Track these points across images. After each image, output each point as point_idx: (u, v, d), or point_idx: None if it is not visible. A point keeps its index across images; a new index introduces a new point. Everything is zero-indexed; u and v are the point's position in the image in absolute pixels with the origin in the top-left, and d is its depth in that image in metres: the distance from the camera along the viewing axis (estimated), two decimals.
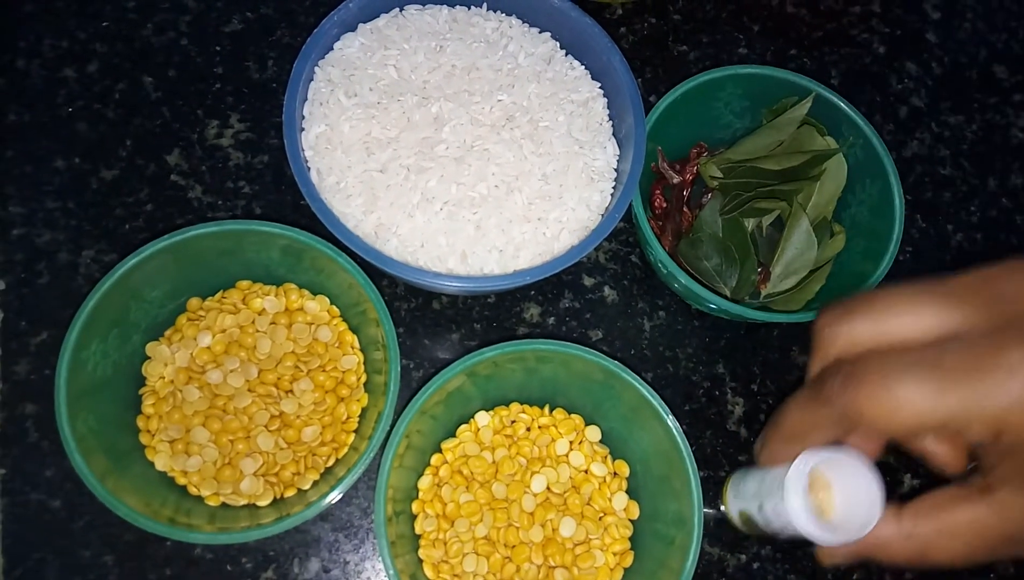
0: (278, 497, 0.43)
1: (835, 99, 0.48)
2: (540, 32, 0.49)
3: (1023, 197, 0.57)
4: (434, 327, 0.49)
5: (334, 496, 0.39)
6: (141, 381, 0.44)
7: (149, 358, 0.44)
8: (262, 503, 0.42)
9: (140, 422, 0.43)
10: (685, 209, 0.50)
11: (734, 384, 0.50)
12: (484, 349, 0.41)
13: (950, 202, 0.57)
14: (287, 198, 0.51)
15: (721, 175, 0.49)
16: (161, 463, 0.43)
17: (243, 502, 0.42)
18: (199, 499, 0.42)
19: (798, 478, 0.32)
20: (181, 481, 0.43)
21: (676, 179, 0.51)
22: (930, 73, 0.60)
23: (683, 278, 0.44)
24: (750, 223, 0.49)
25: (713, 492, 0.48)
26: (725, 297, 0.48)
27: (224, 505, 0.42)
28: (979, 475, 0.30)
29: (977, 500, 0.29)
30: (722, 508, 0.44)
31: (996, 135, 0.59)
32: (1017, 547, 0.29)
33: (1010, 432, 0.26)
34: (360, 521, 0.46)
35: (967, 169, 0.58)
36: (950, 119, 0.59)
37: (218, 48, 0.54)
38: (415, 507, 0.43)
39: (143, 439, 0.43)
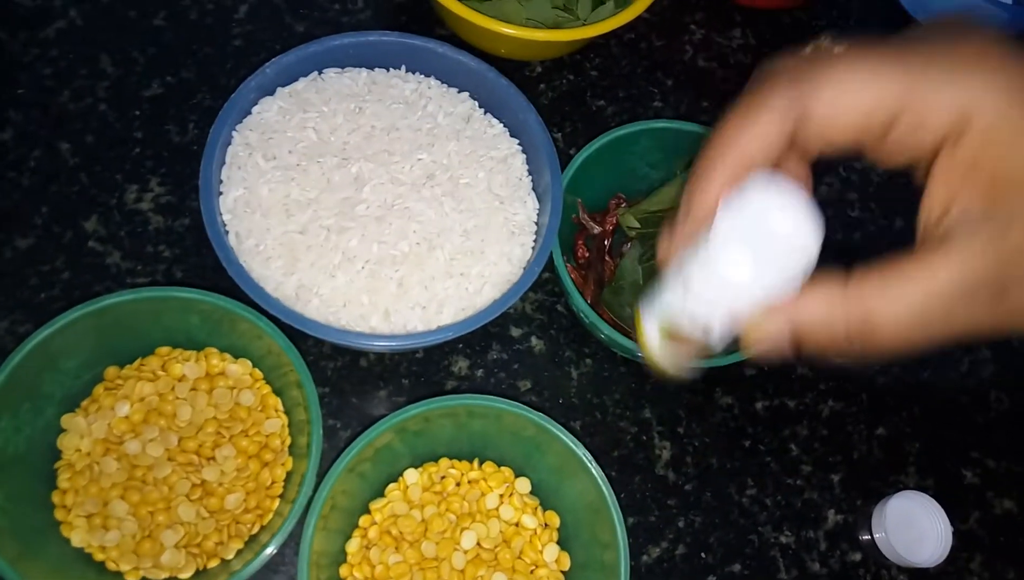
0: (201, 569, 0.41)
1: None
2: (459, 92, 0.50)
3: None
4: (361, 385, 0.49)
5: (257, 564, 0.38)
6: (56, 455, 0.43)
7: (64, 430, 0.43)
8: (184, 576, 0.41)
9: (55, 497, 0.42)
10: (607, 258, 0.52)
11: (661, 428, 0.51)
12: (412, 405, 0.41)
13: (860, 243, 0.59)
14: (208, 261, 0.50)
15: (639, 225, 0.50)
16: (78, 539, 0.41)
17: (164, 575, 0.41)
18: (118, 575, 0.41)
19: (725, 228, 0.27)
20: (99, 557, 0.41)
21: (596, 229, 0.52)
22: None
23: (605, 329, 0.45)
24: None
25: (643, 538, 0.48)
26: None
27: None
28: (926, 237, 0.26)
29: (930, 252, 0.25)
30: (643, 346, 0.35)
31: (900, 177, 0.62)
32: (971, 308, 0.25)
33: (978, 120, 0.23)
34: None
35: (875, 210, 0.60)
36: (856, 164, 0.62)
37: (137, 112, 0.54)
38: (343, 571, 0.42)
39: (58, 515, 0.42)
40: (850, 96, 0.24)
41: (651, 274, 0.49)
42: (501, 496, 0.45)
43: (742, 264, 0.27)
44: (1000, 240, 0.24)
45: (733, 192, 0.27)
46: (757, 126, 0.26)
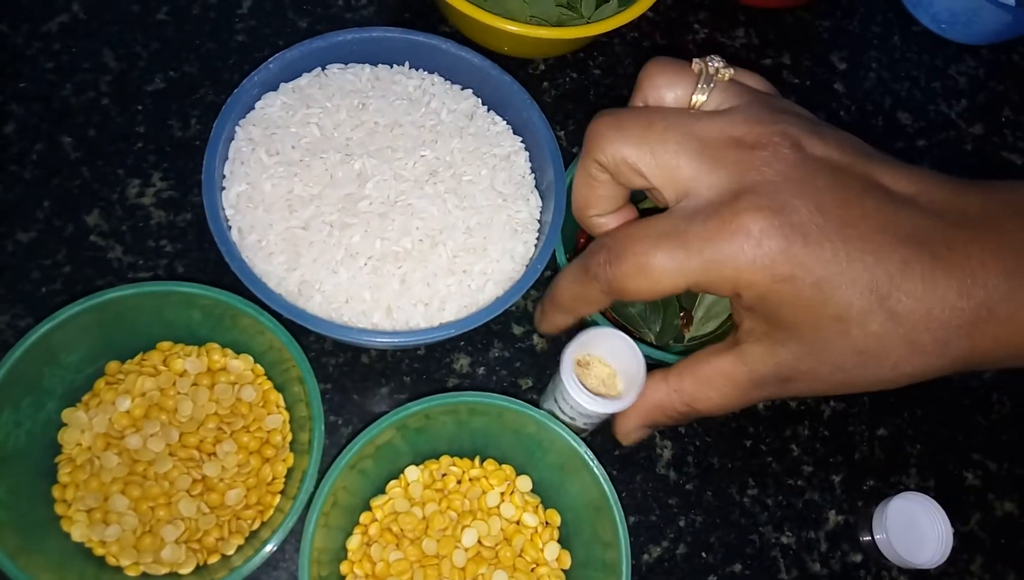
0: (201, 564, 0.41)
1: None
2: (462, 89, 0.50)
3: None
4: (363, 382, 0.49)
5: (258, 560, 0.38)
6: (57, 449, 0.43)
7: (65, 425, 0.43)
8: (184, 571, 0.41)
9: (56, 492, 0.42)
10: None
11: (662, 428, 0.51)
12: (414, 402, 0.41)
13: None
14: (210, 256, 0.50)
15: None
16: (78, 533, 0.41)
17: (165, 571, 0.41)
18: (118, 570, 0.41)
19: (567, 366, 0.38)
20: (99, 552, 0.41)
21: None
22: (839, 120, 0.63)
23: (606, 325, 0.45)
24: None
25: (644, 537, 0.48)
26: (650, 343, 0.49)
27: (145, 575, 0.41)
28: (733, 333, 0.34)
29: (726, 353, 0.34)
30: None
31: None
32: (763, 390, 0.33)
33: (747, 289, 0.30)
34: None
35: None
36: None
37: (140, 107, 0.54)
38: (344, 568, 0.42)
39: (58, 510, 0.41)
40: (651, 283, 0.32)
41: None
42: (502, 494, 0.45)
43: (581, 396, 0.38)
44: (774, 354, 0.32)
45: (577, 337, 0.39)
46: (588, 300, 0.37)
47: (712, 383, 0.34)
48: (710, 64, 0.34)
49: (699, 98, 0.34)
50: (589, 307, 0.36)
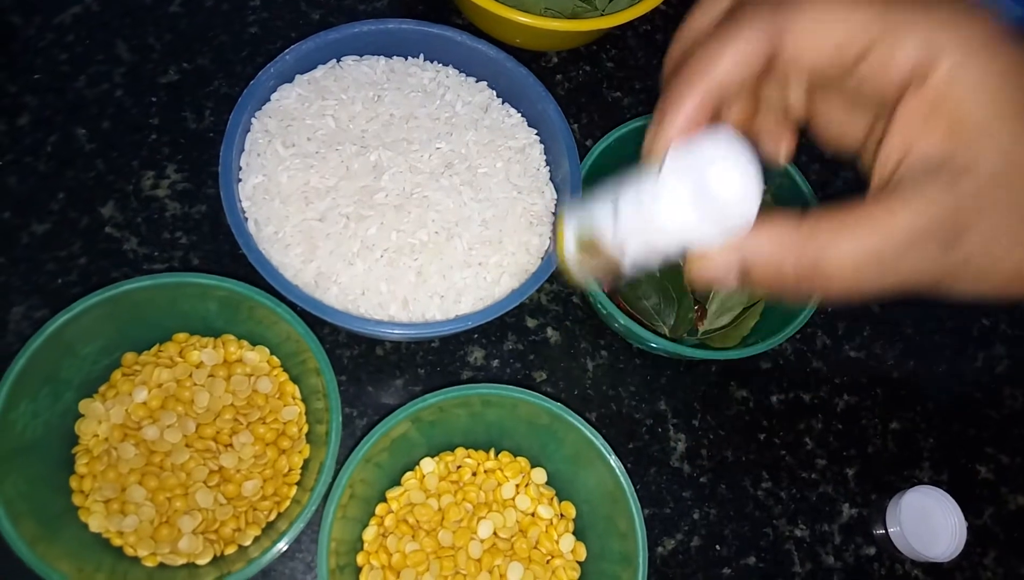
0: (218, 555, 0.41)
1: None
2: (477, 81, 0.50)
3: None
4: (377, 374, 0.49)
5: (275, 552, 0.38)
6: (74, 440, 0.43)
7: (82, 416, 0.43)
8: (201, 562, 0.41)
9: (73, 482, 0.42)
10: None
11: (676, 420, 0.51)
12: (429, 395, 0.41)
13: None
14: (225, 248, 0.50)
15: None
16: (96, 524, 0.41)
17: (182, 561, 0.41)
18: (135, 560, 0.41)
19: (678, 157, 0.26)
20: (117, 542, 0.41)
21: None
22: None
23: (622, 318, 0.45)
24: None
25: (658, 530, 0.48)
26: (664, 336, 0.49)
27: (162, 565, 0.41)
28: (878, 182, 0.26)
29: (884, 196, 0.24)
30: (557, 248, 0.34)
31: None
32: (926, 252, 0.24)
33: (945, 63, 0.23)
34: (304, 576, 0.45)
35: None
36: None
37: (154, 99, 0.53)
38: (360, 559, 0.42)
39: (76, 500, 0.42)
40: (825, 27, 0.24)
41: (668, 268, 0.49)
42: (517, 486, 0.45)
43: (678, 210, 0.26)
44: (955, 187, 0.23)
45: (693, 133, 0.27)
46: (735, 43, 0.26)
47: (862, 235, 0.24)
48: None
49: None
50: (732, 58, 0.26)
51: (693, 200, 0.26)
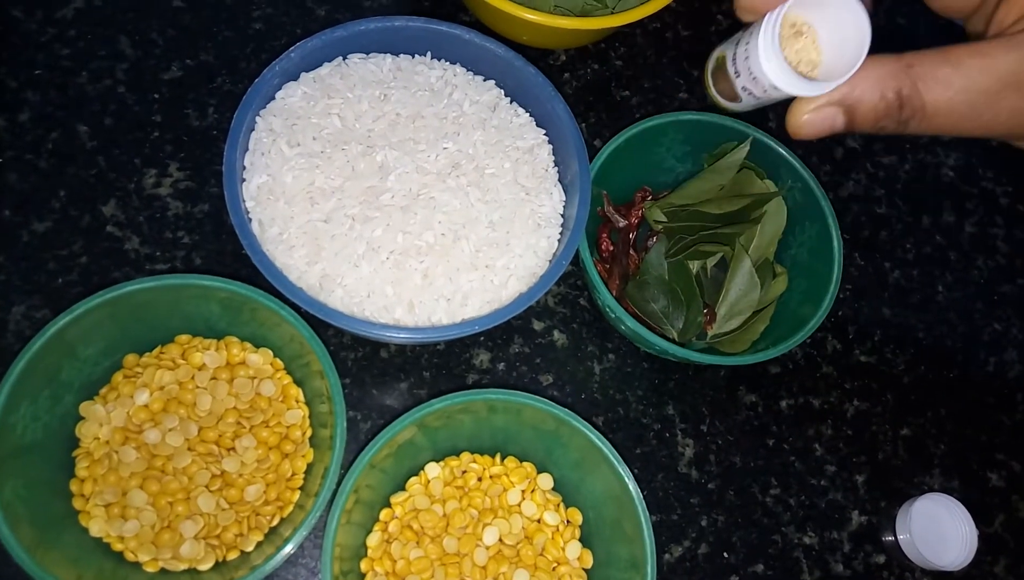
0: (220, 560, 0.41)
1: (772, 143, 0.49)
2: (485, 80, 0.49)
3: (955, 233, 0.59)
4: (382, 377, 0.49)
5: (280, 558, 0.38)
6: (74, 443, 0.42)
7: (83, 418, 0.42)
8: (203, 567, 0.41)
9: (73, 486, 0.41)
10: (632, 252, 0.51)
11: (684, 425, 0.50)
12: (434, 400, 0.40)
13: (886, 240, 0.58)
14: (228, 248, 0.49)
15: (665, 219, 0.50)
16: (96, 528, 0.41)
17: (183, 567, 0.41)
18: (136, 566, 0.41)
19: (772, 21, 0.28)
20: (117, 547, 0.41)
21: (622, 223, 0.51)
22: None
23: (630, 322, 0.44)
24: (695, 265, 0.49)
25: (665, 537, 0.48)
26: (672, 339, 0.48)
27: (163, 571, 0.41)
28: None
29: (996, 42, 0.25)
30: (705, 71, 0.37)
31: (928, 174, 0.61)
32: (1018, 96, 0.25)
33: None
34: None
35: (901, 207, 0.60)
36: (884, 159, 0.61)
37: (156, 96, 0.53)
38: (364, 565, 0.42)
39: (76, 504, 0.41)
40: None
41: (677, 271, 0.48)
42: (523, 492, 0.45)
43: (776, 62, 0.28)
44: None
45: None
46: None
47: (964, 67, 0.25)
48: None
49: None
50: None
51: (780, 66, 0.28)
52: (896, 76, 0.26)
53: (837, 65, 0.28)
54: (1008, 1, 0.26)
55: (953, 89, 0.25)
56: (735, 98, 0.33)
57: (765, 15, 0.29)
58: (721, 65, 0.33)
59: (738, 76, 0.31)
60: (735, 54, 0.31)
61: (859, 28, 0.27)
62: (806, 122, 0.28)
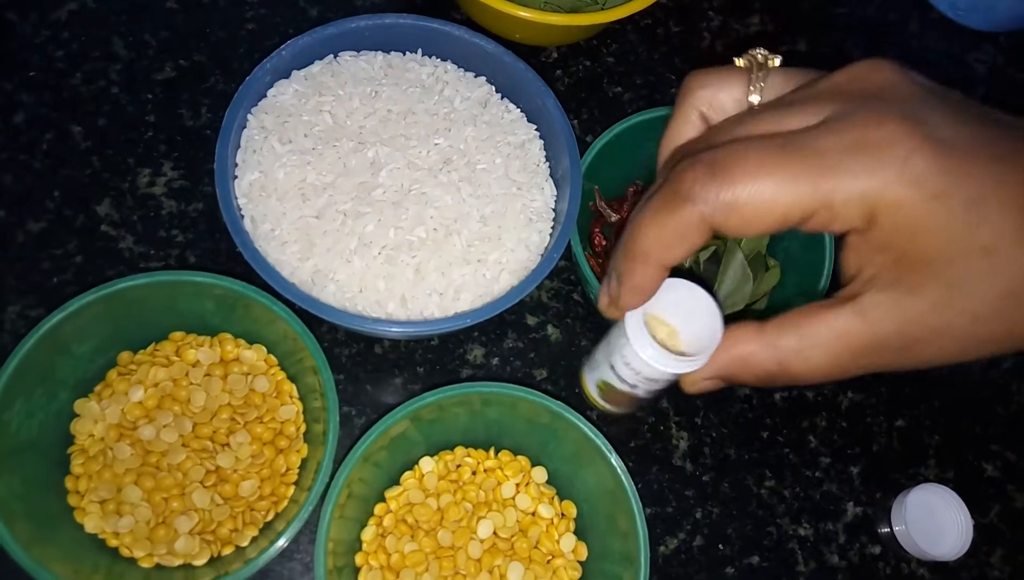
0: (215, 556, 0.41)
1: None
2: (475, 76, 0.49)
3: None
4: (376, 372, 0.49)
5: (272, 552, 0.38)
6: (69, 440, 0.42)
7: (78, 416, 0.42)
8: (198, 563, 0.41)
9: (68, 483, 0.42)
10: None
11: (678, 418, 0.50)
12: (428, 393, 0.41)
13: None
14: (222, 246, 0.50)
15: None
16: (91, 525, 0.41)
17: (178, 562, 0.41)
18: (132, 562, 0.41)
19: (636, 318, 0.31)
20: (112, 543, 0.41)
21: (614, 217, 0.51)
22: None
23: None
24: (687, 259, 0.49)
25: (660, 529, 0.48)
26: None
27: (158, 567, 0.41)
28: (839, 293, 0.28)
29: (841, 308, 0.27)
30: (587, 396, 0.39)
31: None
32: (880, 356, 0.27)
33: (889, 213, 0.25)
34: (302, 577, 0.44)
35: None
36: None
37: (150, 96, 0.53)
38: (359, 559, 0.42)
39: (71, 501, 0.41)
40: (767, 204, 0.26)
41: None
42: (517, 485, 0.45)
43: (657, 357, 0.31)
44: (904, 305, 0.26)
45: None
46: (681, 235, 0.28)
47: (820, 342, 0.27)
48: (757, 55, 0.30)
49: (758, 86, 0.30)
50: (680, 247, 0.28)
51: (658, 351, 0.31)
52: (761, 358, 0.29)
53: (696, 339, 0.32)
54: (843, 261, 0.28)
55: (815, 361, 0.28)
56: (632, 402, 0.36)
57: (622, 321, 0.32)
58: (608, 388, 0.36)
59: (630, 386, 0.34)
60: (615, 370, 0.34)
61: (703, 303, 0.32)
62: (697, 389, 0.32)
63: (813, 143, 0.25)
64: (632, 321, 0.31)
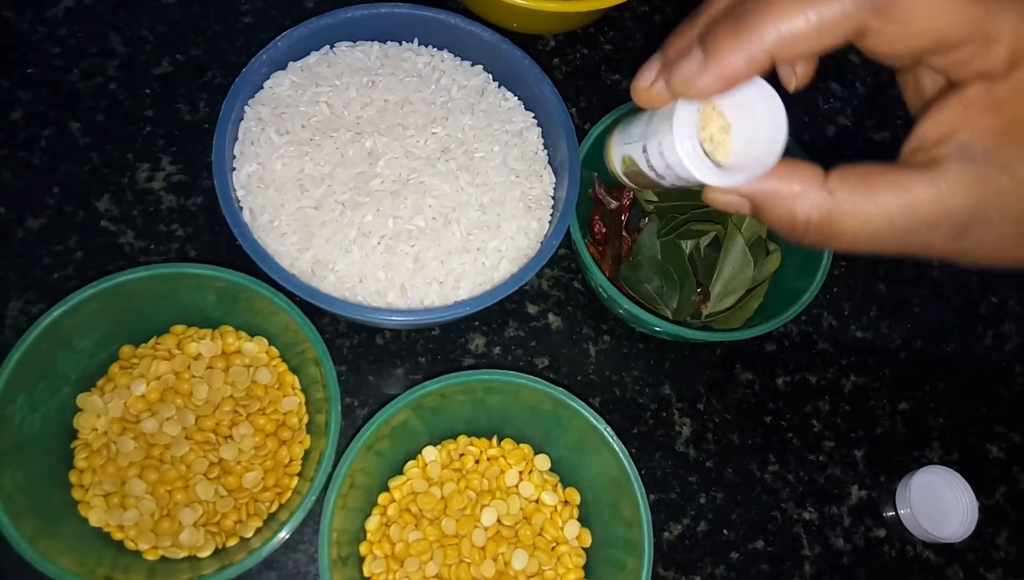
0: (220, 547, 0.41)
1: None
2: (472, 65, 0.49)
3: None
4: (378, 363, 0.49)
5: (276, 542, 0.38)
6: (72, 434, 0.42)
7: (80, 410, 0.42)
8: (203, 554, 0.41)
9: (72, 477, 0.42)
10: (624, 233, 0.51)
11: (680, 405, 0.50)
12: (429, 381, 0.41)
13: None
14: (222, 239, 0.50)
15: (656, 199, 0.50)
16: (96, 518, 0.41)
17: (183, 554, 0.41)
18: (136, 554, 0.41)
19: (689, 109, 0.27)
20: (117, 536, 0.41)
21: (613, 204, 0.51)
22: (855, 93, 0.62)
23: (624, 302, 0.44)
24: (688, 245, 0.49)
25: (664, 515, 0.48)
26: (667, 319, 0.48)
27: (163, 559, 0.41)
28: (914, 153, 0.25)
29: (917, 175, 0.24)
30: (608, 162, 0.35)
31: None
32: (937, 235, 0.25)
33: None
34: (307, 568, 0.44)
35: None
36: (876, 136, 0.61)
37: (148, 91, 0.53)
38: (363, 549, 0.42)
39: (76, 494, 0.41)
40: (926, 21, 0.23)
41: (669, 251, 0.48)
42: (521, 473, 0.45)
43: (695, 150, 0.27)
44: (989, 181, 0.24)
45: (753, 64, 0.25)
46: (821, 23, 0.24)
47: (883, 207, 0.24)
48: None
49: None
50: (811, 39, 0.24)
51: (699, 154, 0.27)
52: (811, 199, 0.26)
53: (749, 151, 0.28)
54: (934, 118, 0.25)
55: (868, 223, 0.25)
56: (653, 186, 0.32)
57: (675, 102, 0.27)
58: (632, 165, 0.32)
59: (657, 175, 0.30)
60: (647, 153, 0.30)
61: (773, 115, 0.27)
62: (718, 203, 0.28)
63: None
64: (684, 109, 0.27)
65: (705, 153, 0.27)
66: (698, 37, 0.26)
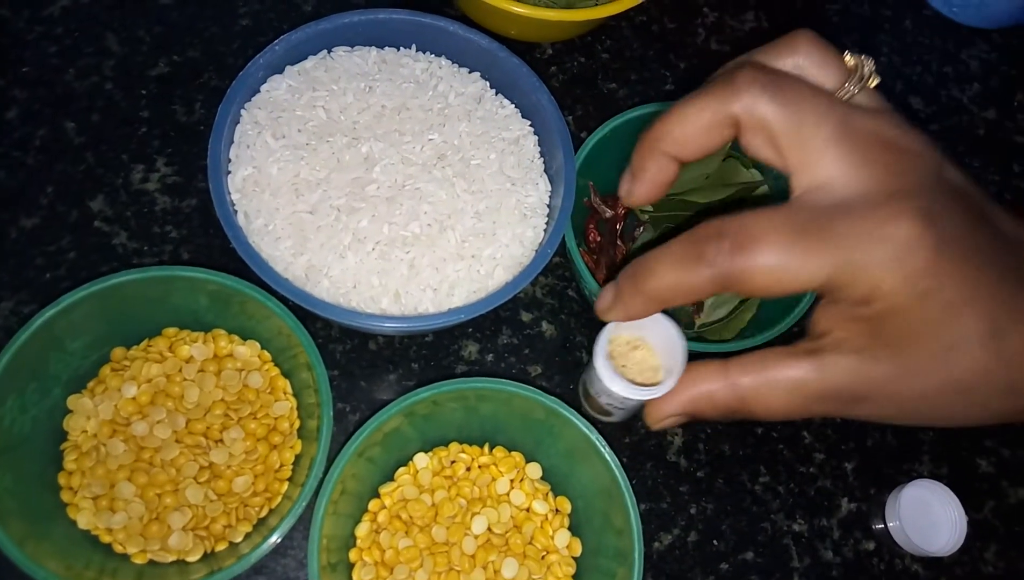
0: (209, 552, 0.41)
1: None
2: (470, 72, 0.49)
3: None
4: (371, 368, 0.49)
5: (265, 548, 0.38)
6: (62, 436, 0.42)
7: (71, 412, 0.42)
8: (192, 559, 0.41)
9: (62, 479, 0.41)
10: (619, 242, 0.51)
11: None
12: (422, 388, 0.41)
13: None
14: (216, 242, 0.50)
15: (652, 209, 0.50)
16: (84, 521, 0.41)
17: (172, 559, 0.41)
18: (125, 558, 0.41)
19: (603, 360, 0.36)
20: (106, 539, 0.41)
21: (608, 213, 0.51)
22: None
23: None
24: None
25: (655, 525, 0.48)
26: None
27: (152, 563, 0.41)
28: (806, 339, 0.31)
29: (802, 358, 0.30)
30: (586, 411, 0.45)
31: None
32: (828, 405, 0.30)
33: (883, 299, 0.28)
34: (296, 573, 0.44)
35: None
36: None
37: (144, 92, 0.53)
38: (352, 555, 0.42)
39: (65, 497, 0.41)
40: (780, 284, 0.28)
41: None
42: (512, 481, 0.45)
43: (613, 381, 0.36)
44: (862, 371, 0.29)
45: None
46: (685, 296, 0.30)
47: (778, 387, 0.30)
48: (866, 63, 0.31)
49: (850, 89, 0.31)
50: (687, 297, 0.31)
51: (625, 384, 0.36)
52: (723, 394, 0.31)
53: (674, 365, 0.35)
54: (818, 310, 0.30)
55: (774, 401, 0.30)
56: (607, 413, 0.43)
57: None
58: (585, 391, 0.42)
59: (599, 396, 0.40)
60: (587, 380, 0.41)
61: (676, 334, 0.36)
62: (658, 427, 0.34)
63: (831, 227, 0.28)
64: (600, 360, 0.36)
65: (616, 373, 0.36)
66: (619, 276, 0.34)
